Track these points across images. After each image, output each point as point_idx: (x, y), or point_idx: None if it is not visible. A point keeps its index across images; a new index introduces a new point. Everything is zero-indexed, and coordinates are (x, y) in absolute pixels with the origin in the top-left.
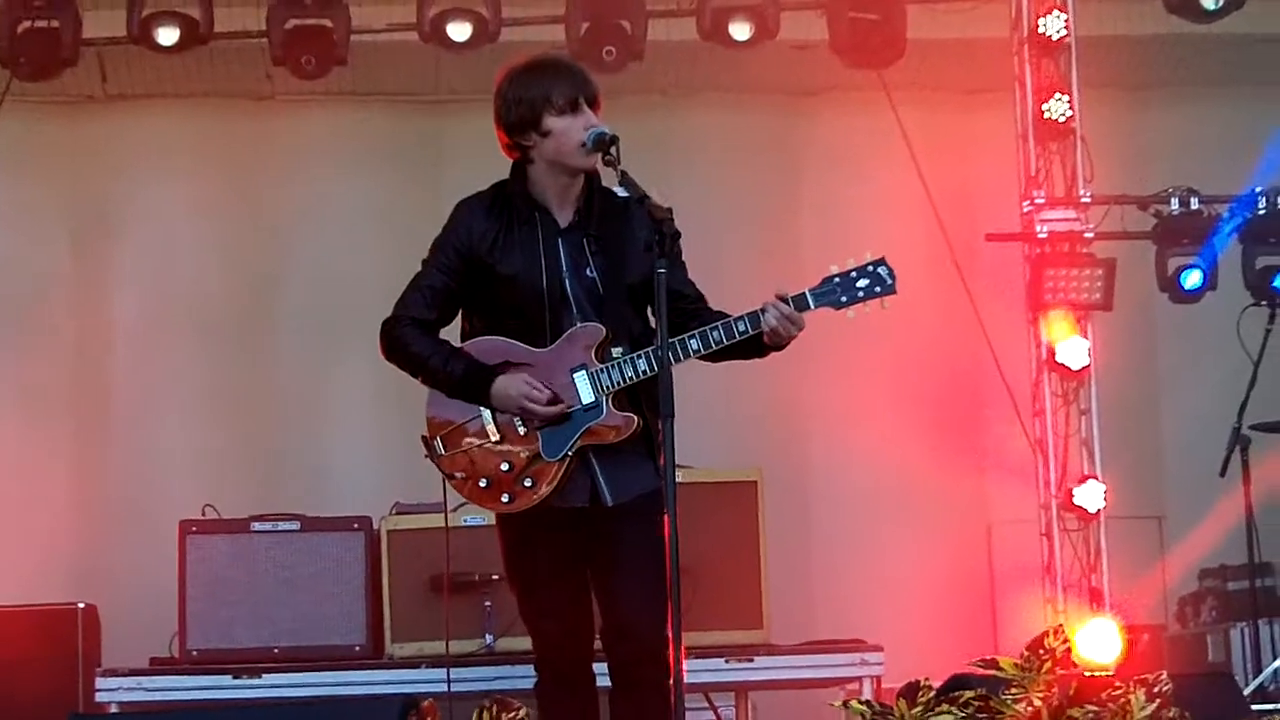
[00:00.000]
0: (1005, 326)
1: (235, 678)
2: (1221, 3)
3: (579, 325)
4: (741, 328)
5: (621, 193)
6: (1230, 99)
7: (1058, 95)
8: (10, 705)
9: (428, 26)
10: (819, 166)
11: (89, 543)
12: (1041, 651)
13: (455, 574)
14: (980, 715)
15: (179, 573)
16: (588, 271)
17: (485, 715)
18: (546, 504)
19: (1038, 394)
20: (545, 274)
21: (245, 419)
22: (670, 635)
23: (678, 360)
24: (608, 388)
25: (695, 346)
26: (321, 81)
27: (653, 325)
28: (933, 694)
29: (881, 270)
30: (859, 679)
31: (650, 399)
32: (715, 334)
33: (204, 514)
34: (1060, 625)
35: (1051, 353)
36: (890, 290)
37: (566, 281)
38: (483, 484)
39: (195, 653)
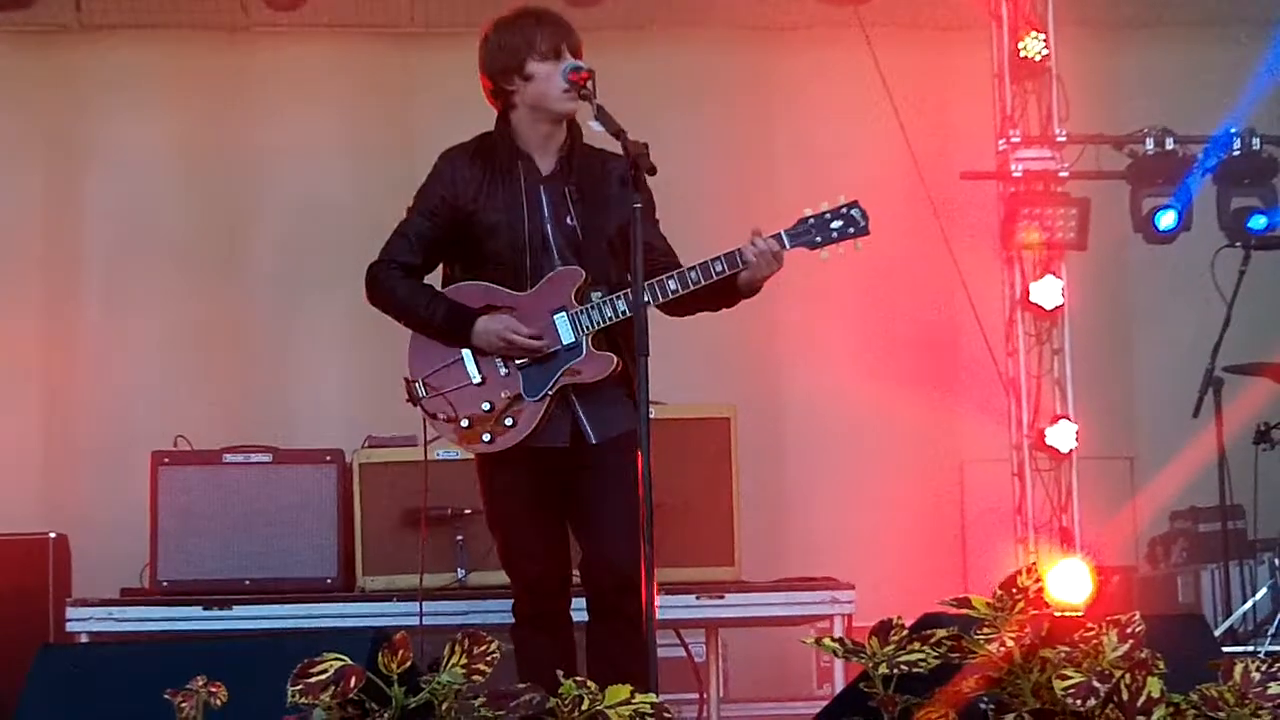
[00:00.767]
0: (979, 266)
1: (206, 609)
2: None
3: (558, 269)
4: (719, 267)
5: (596, 127)
6: (1207, 39)
7: (1034, 33)
8: None
9: None
10: (794, 104)
11: (60, 473)
12: (1014, 591)
13: (428, 508)
14: (952, 654)
15: (150, 503)
16: (568, 219)
17: (457, 649)
18: (527, 444)
19: (1011, 333)
20: (526, 221)
21: (218, 352)
22: (643, 570)
23: (655, 301)
24: (587, 328)
25: (674, 287)
26: (297, 13)
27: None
28: (905, 633)
29: (854, 212)
30: (830, 617)
31: (629, 340)
32: (693, 274)
33: (176, 445)
34: (1033, 565)
35: (1025, 292)
36: (863, 232)
37: (548, 228)
38: (464, 424)
39: (166, 583)
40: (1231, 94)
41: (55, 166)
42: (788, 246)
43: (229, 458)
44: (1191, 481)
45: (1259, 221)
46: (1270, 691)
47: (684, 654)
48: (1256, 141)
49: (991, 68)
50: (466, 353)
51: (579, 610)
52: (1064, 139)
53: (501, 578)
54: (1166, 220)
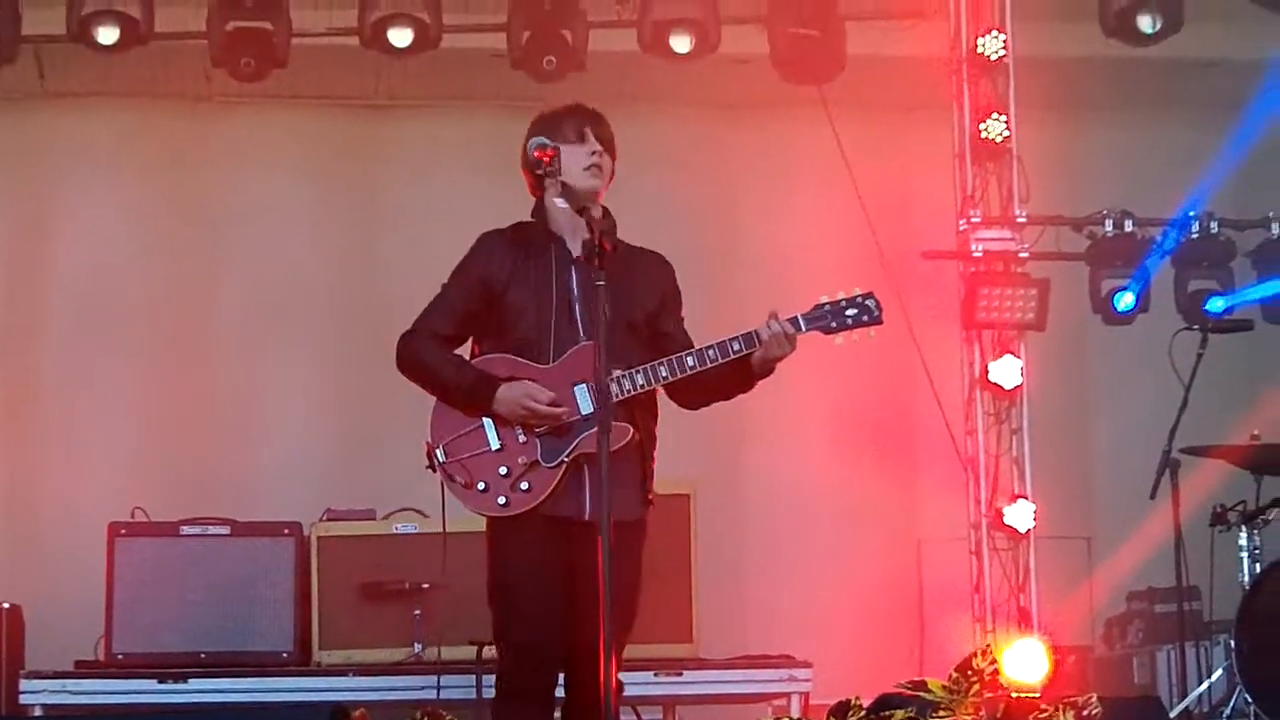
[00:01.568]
0: (939, 344)
1: (161, 682)
2: (1159, 26)
3: (581, 344)
4: (736, 346)
5: (561, 204)
6: (1166, 122)
7: (995, 115)
8: None
9: (369, 31)
10: (757, 180)
11: (15, 543)
12: (970, 673)
13: (385, 582)
14: None
15: (106, 575)
16: (604, 301)
17: None
18: (540, 510)
19: (970, 412)
20: (555, 297)
21: (177, 422)
22: (601, 649)
23: (674, 376)
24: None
25: (691, 363)
26: (261, 84)
27: (651, 359)
28: (862, 713)
29: (869, 302)
30: (787, 695)
31: (643, 422)
32: (710, 352)
33: (133, 516)
34: (988, 646)
35: (984, 372)
36: (877, 321)
37: (575, 307)
38: (480, 488)
39: (121, 656)
40: (1190, 177)
41: (17, 234)
42: (803, 330)
43: (186, 529)
44: (1148, 562)
45: (1217, 304)
46: None
47: None
48: (1214, 225)
49: (953, 148)
50: (488, 420)
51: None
52: (1024, 220)
53: (460, 653)
54: (1125, 301)
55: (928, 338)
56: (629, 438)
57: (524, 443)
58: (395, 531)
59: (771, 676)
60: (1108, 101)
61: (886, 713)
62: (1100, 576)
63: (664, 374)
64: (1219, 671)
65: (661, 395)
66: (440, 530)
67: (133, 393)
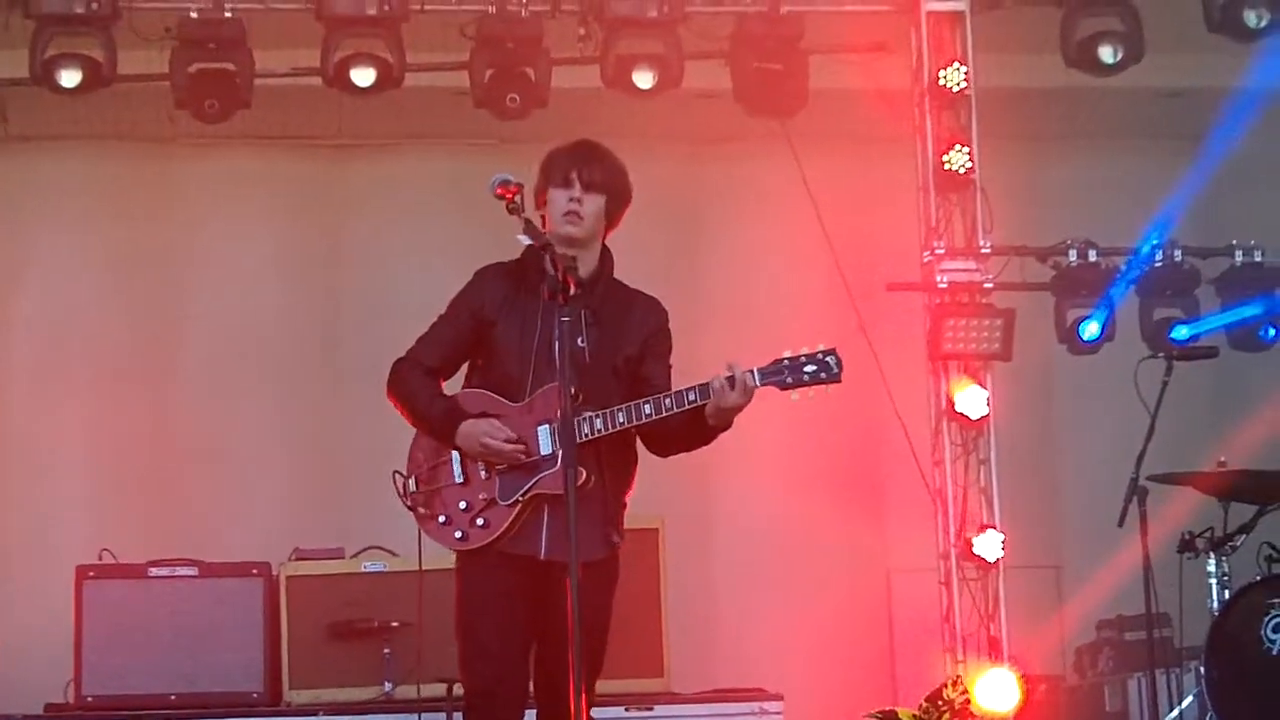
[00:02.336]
0: (905, 376)
1: None
2: (1120, 56)
3: (549, 384)
4: (691, 396)
5: (524, 239)
6: (1129, 151)
7: (958, 146)
8: None
9: (331, 71)
10: (721, 215)
11: None
12: (940, 702)
13: (354, 620)
14: None
15: (75, 618)
16: (579, 340)
17: None
18: (498, 547)
19: (937, 443)
20: (537, 335)
21: (143, 464)
22: (572, 685)
23: (631, 422)
24: None
25: (648, 411)
26: (224, 125)
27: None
28: None
29: (830, 359)
30: None
31: (614, 463)
32: (667, 401)
33: (101, 559)
34: (959, 677)
35: (951, 402)
36: (835, 379)
37: (556, 346)
38: (440, 520)
39: (91, 699)
40: (1153, 206)
41: None
42: (757, 384)
43: (154, 571)
44: (1118, 590)
45: (1181, 332)
46: None
47: None
48: (1178, 253)
49: (916, 180)
50: (455, 454)
51: None
52: (988, 250)
53: (429, 691)
54: (1090, 330)
55: (894, 369)
56: (584, 480)
57: (485, 479)
58: (364, 570)
59: (743, 710)
60: (1070, 132)
61: None
62: (1070, 605)
63: (621, 420)
64: (1190, 698)
65: None
66: (411, 569)
67: (98, 434)
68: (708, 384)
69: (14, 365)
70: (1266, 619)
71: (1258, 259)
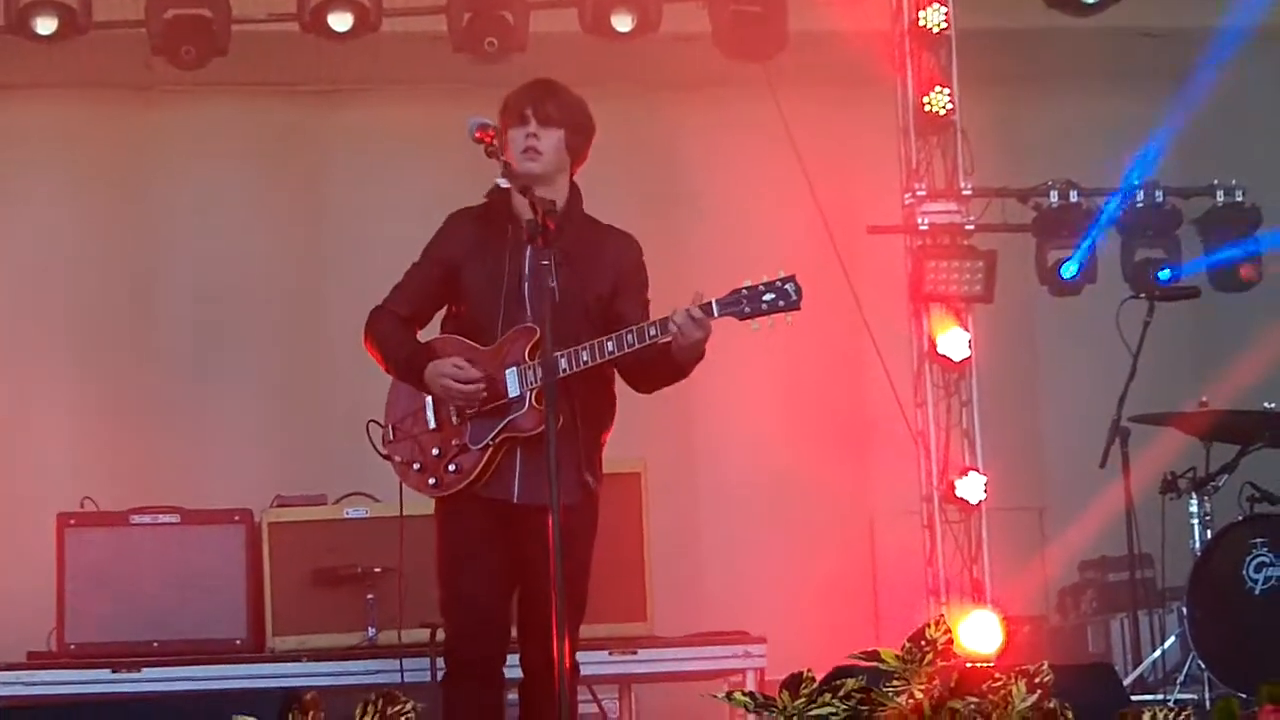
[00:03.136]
0: (887, 318)
1: (114, 672)
2: None
3: (517, 326)
4: (652, 332)
5: (504, 183)
6: (1110, 92)
7: (938, 88)
8: None
9: (309, 16)
10: (702, 158)
11: None
12: (923, 643)
13: (337, 567)
14: (862, 707)
15: (57, 566)
16: (550, 281)
17: (370, 709)
18: (472, 491)
19: (919, 385)
20: (506, 278)
21: (124, 412)
22: (566, 631)
23: (594, 360)
24: (531, 383)
25: (611, 348)
26: (202, 71)
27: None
28: (815, 685)
29: (789, 286)
30: (742, 671)
31: (586, 404)
32: (629, 336)
33: (82, 506)
34: (942, 617)
35: (933, 344)
36: (794, 306)
37: (525, 287)
38: (415, 467)
39: (73, 646)
40: (1134, 147)
41: None
42: (715, 315)
43: (136, 519)
44: (1101, 531)
45: (1166, 274)
46: None
47: (596, 709)
48: (1160, 194)
49: (896, 122)
50: (428, 400)
51: (513, 667)
52: (969, 192)
53: (414, 636)
54: (1069, 270)
55: (875, 311)
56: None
57: (457, 425)
58: (346, 516)
59: (726, 653)
60: (1050, 73)
61: (838, 682)
62: (1053, 547)
63: (585, 358)
64: (1172, 639)
65: None
66: (393, 514)
67: (78, 382)
68: (668, 318)
69: None
70: (1249, 558)
71: (1239, 199)
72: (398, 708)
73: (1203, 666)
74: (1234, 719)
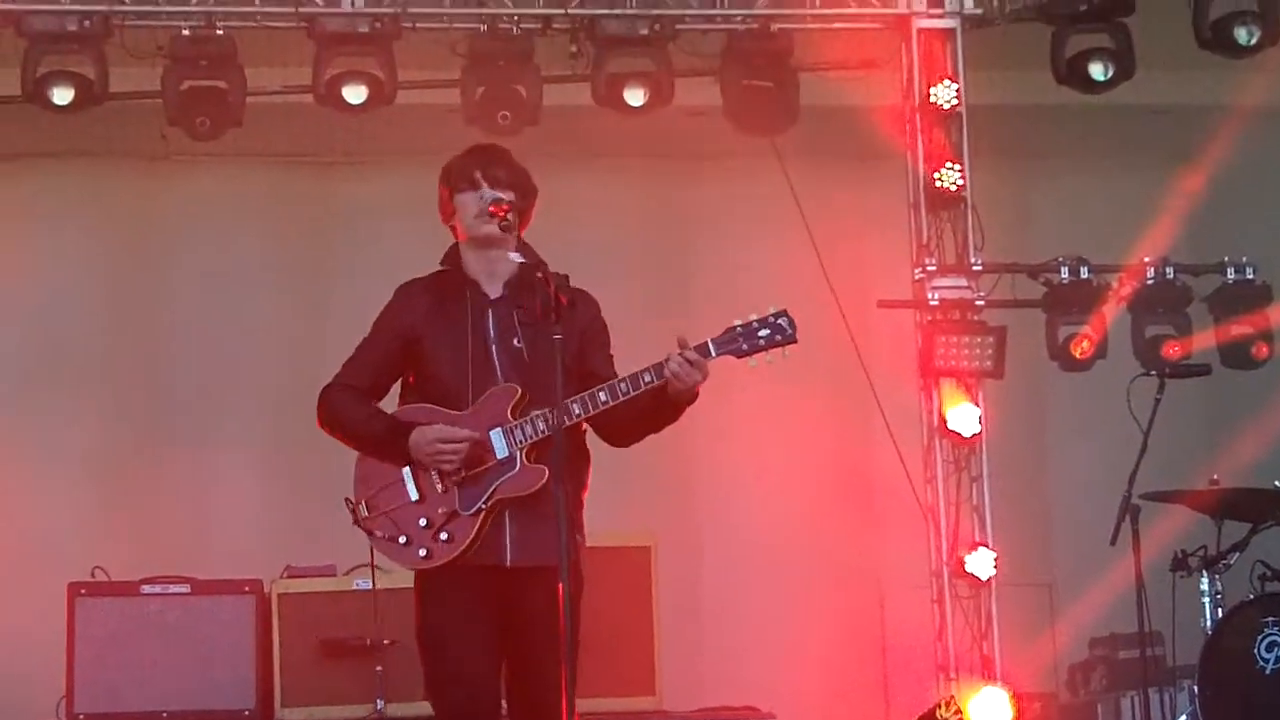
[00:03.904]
0: (897, 393)
1: None
2: (1110, 73)
3: (496, 386)
4: (647, 378)
5: (516, 258)
6: (1120, 168)
7: (949, 164)
8: None
9: (323, 89)
10: (712, 231)
11: None
12: None
13: (346, 638)
14: None
15: (67, 635)
16: (515, 341)
17: None
18: (463, 561)
19: (929, 460)
20: (471, 341)
21: (136, 481)
22: (564, 696)
23: (587, 413)
24: (520, 442)
25: (604, 398)
26: (216, 142)
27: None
28: None
29: (783, 320)
30: None
31: (570, 461)
32: (622, 385)
33: (93, 576)
34: (952, 696)
35: (943, 419)
36: (790, 339)
37: (492, 348)
38: (402, 540)
39: (83, 716)
40: (1144, 223)
41: None
42: (713, 354)
43: (147, 588)
44: (1110, 608)
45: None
46: None
47: None
48: (1170, 270)
49: (907, 197)
50: (406, 472)
51: None
52: (979, 267)
53: (421, 709)
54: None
55: (885, 385)
56: (544, 479)
57: (443, 493)
58: (356, 587)
59: None
60: (1061, 149)
61: None
62: (1062, 623)
63: (577, 411)
64: (1183, 717)
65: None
66: (404, 587)
67: (89, 450)
68: (662, 364)
69: (4, 382)
70: (1260, 637)
71: (1249, 276)
72: None
73: None
74: None
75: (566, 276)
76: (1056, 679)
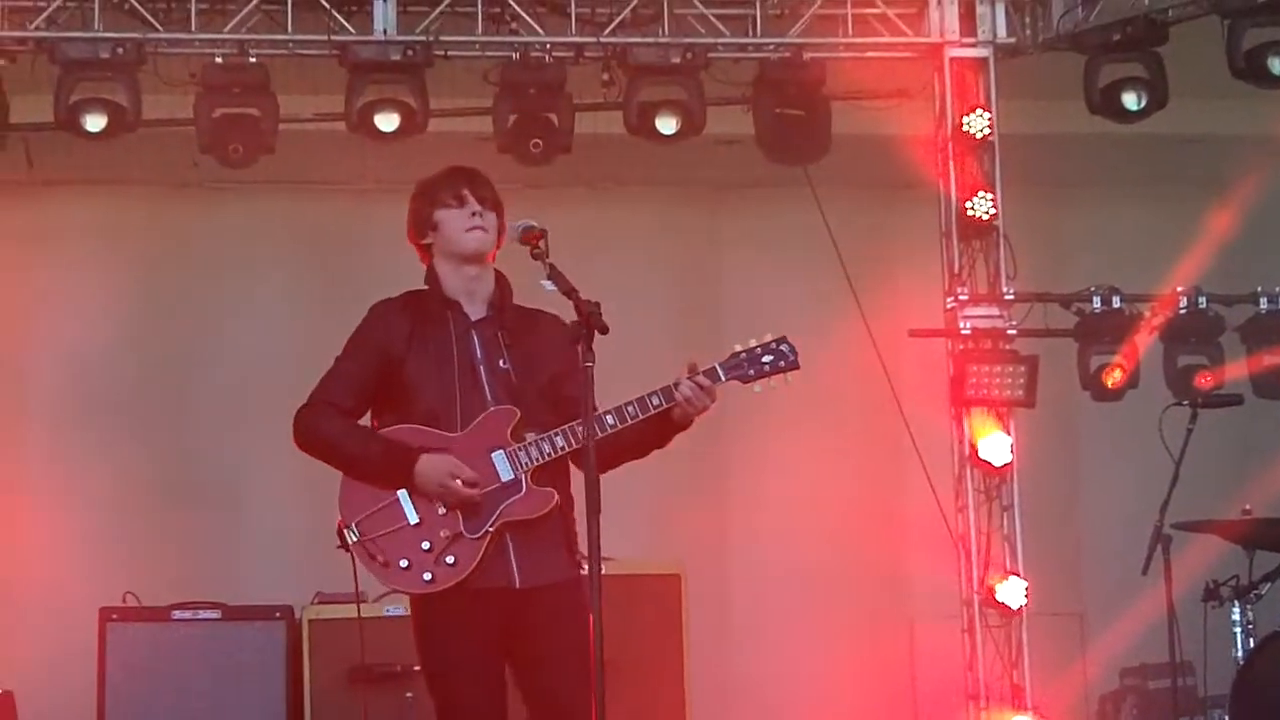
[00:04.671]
0: (928, 422)
1: None
2: (1144, 103)
3: (492, 408)
4: (655, 401)
5: (549, 286)
6: (1153, 198)
7: (981, 193)
8: None
9: (355, 117)
10: (743, 260)
11: (7, 629)
12: None
13: (376, 665)
14: None
15: (99, 660)
16: (501, 362)
17: None
18: (468, 584)
19: (960, 489)
20: (456, 364)
21: (167, 506)
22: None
23: (595, 435)
24: (525, 465)
25: (611, 422)
26: (248, 169)
27: (559, 423)
28: None
29: (784, 347)
30: None
31: (565, 484)
32: (630, 409)
33: (124, 601)
34: None
35: (974, 449)
36: (793, 366)
37: (480, 369)
38: (403, 565)
39: None
40: (1177, 252)
41: (4, 319)
42: (723, 379)
43: (178, 614)
44: (1141, 638)
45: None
46: None
47: None
48: (1203, 300)
49: (939, 226)
50: (402, 493)
51: None
52: (1011, 297)
53: None
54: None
55: (916, 414)
56: (553, 503)
57: (444, 515)
58: (386, 614)
59: None
60: (1093, 178)
61: None
62: (1093, 653)
63: (584, 434)
64: None
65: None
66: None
67: (120, 476)
68: (670, 388)
69: (35, 408)
70: None
71: None
72: None
73: None
74: None
75: (598, 304)
76: (1087, 709)
